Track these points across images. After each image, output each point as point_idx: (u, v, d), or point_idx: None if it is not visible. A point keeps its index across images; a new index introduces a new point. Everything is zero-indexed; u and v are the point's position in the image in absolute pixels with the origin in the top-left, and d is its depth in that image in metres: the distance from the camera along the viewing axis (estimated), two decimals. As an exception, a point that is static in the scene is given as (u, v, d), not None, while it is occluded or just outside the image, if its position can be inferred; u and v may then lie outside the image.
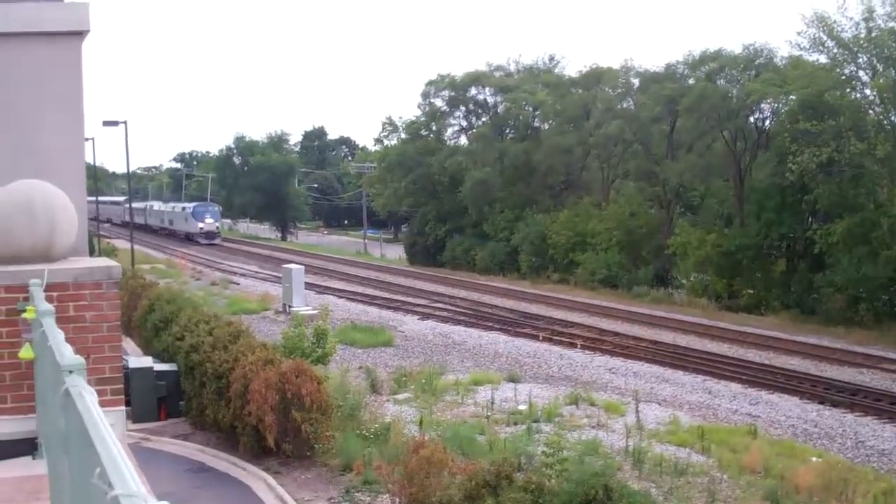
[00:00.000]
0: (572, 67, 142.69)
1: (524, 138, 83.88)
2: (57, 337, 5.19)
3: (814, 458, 23.22)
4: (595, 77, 78.59)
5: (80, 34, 9.55)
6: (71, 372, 3.88)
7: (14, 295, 8.17)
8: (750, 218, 60.90)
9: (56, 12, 9.49)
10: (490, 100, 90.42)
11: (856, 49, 57.81)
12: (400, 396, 29.91)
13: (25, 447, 8.27)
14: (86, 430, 3.06)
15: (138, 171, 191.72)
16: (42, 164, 9.03)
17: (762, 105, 66.09)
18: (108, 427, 2.94)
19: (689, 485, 21.09)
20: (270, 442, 22.21)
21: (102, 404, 7.45)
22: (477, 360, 37.04)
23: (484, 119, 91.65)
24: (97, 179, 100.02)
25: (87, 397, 3.44)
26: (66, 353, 4.33)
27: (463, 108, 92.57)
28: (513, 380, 32.16)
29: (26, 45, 9.42)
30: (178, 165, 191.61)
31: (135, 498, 2.19)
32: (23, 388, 8.21)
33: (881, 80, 55.82)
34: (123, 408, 8.18)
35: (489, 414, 27.30)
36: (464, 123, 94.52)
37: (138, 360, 29.17)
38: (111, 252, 62.37)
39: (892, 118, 56.91)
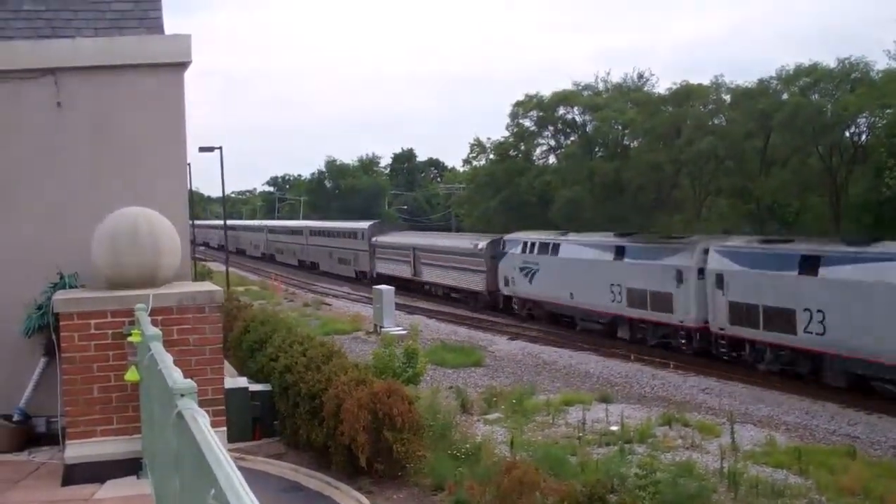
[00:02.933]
0: (662, 84, 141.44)
1: (614, 156, 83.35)
2: (166, 360, 5.38)
3: (916, 481, 22.59)
4: (685, 94, 77.79)
5: (182, 65, 9.87)
6: (183, 395, 4.04)
7: (120, 319, 8.46)
8: (847, 234, 59.71)
9: (160, 44, 9.83)
10: (578, 119, 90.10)
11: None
12: (490, 416, 29.91)
13: (130, 467, 8.53)
14: (200, 451, 3.20)
15: (232, 195, 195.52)
16: (146, 190, 9.35)
17: (858, 119, 64.79)
18: (223, 449, 3.08)
19: (786, 507, 20.70)
20: (363, 461, 22.36)
21: (205, 425, 7.68)
22: (567, 380, 36.86)
23: (573, 138, 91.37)
24: (193, 204, 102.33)
25: (200, 420, 3.59)
26: (177, 377, 4.50)
27: (551, 128, 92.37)
28: (604, 400, 31.93)
29: (131, 76, 9.77)
30: (271, 189, 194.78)
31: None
32: (128, 410, 8.48)
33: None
34: (224, 429, 8.40)
35: (581, 434, 27.14)
36: (552, 143, 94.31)
37: (233, 380, 29.59)
38: (206, 275, 63.63)
39: None
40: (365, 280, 79.25)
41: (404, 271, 73.13)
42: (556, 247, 53.31)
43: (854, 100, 61.51)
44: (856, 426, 28.78)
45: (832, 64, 67.20)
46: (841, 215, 61.93)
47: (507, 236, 59.85)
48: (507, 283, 57.63)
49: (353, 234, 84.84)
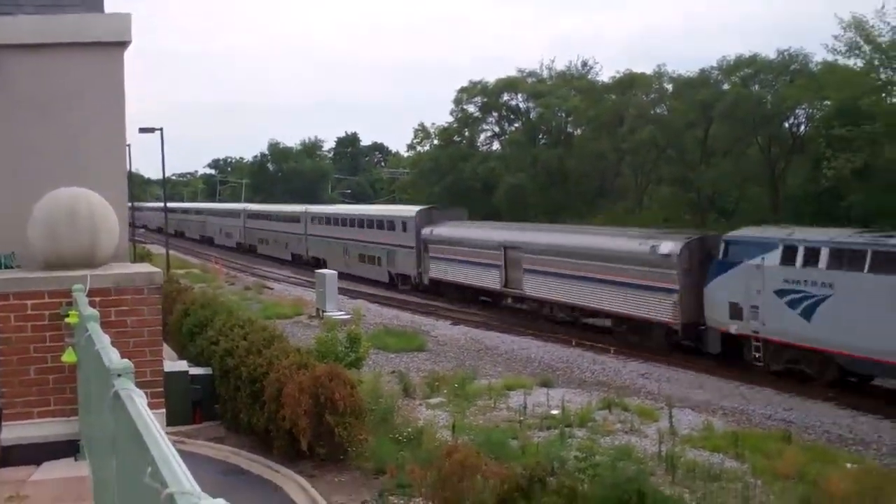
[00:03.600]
0: (606, 73, 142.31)
1: (557, 144, 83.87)
2: (103, 341, 5.34)
3: (848, 465, 23.07)
4: (628, 82, 78.46)
5: (122, 45, 9.75)
6: (119, 375, 4.02)
7: (57, 300, 8.36)
8: (786, 223, 60.64)
9: (99, 23, 9.69)
10: (523, 106, 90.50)
11: (893, 54, 57.36)
12: (433, 401, 30.01)
13: (68, 449, 8.45)
14: (137, 431, 3.19)
15: (173, 178, 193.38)
16: (85, 171, 9.23)
17: (797, 110, 65.79)
18: (159, 428, 3.07)
19: (722, 490, 21.01)
20: (304, 445, 22.36)
21: (144, 407, 7.62)
22: (509, 365, 37.07)
23: (517, 125, 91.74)
24: (132, 185, 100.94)
25: (137, 400, 3.57)
26: (114, 357, 4.47)
27: (495, 114, 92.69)
28: (545, 384, 32.16)
29: (70, 56, 9.63)
30: (213, 172, 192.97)
31: (190, 496, 2.30)
32: (65, 391, 8.39)
33: (918, 85, 55.35)
34: (163, 411, 8.35)
35: (522, 418, 27.33)
36: (496, 129, 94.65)
37: (173, 363, 29.40)
38: (146, 256, 62.94)
39: (929, 123, 56.37)
40: (403, 287, 61.77)
41: (485, 279, 52.20)
42: (877, 257, 30.07)
43: (793, 91, 62.43)
44: (791, 411, 29.31)
45: (772, 55, 68.13)
46: (780, 206, 62.90)
47: (734, 234, 37.57)
48: (736, 315, 35.09)
49: (390, 223, 63.94)
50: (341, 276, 60.63)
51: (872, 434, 26.57)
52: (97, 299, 8.09)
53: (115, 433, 4.13)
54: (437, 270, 57.56)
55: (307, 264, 76.87)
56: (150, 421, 3.21)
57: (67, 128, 9.61)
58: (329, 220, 77.01)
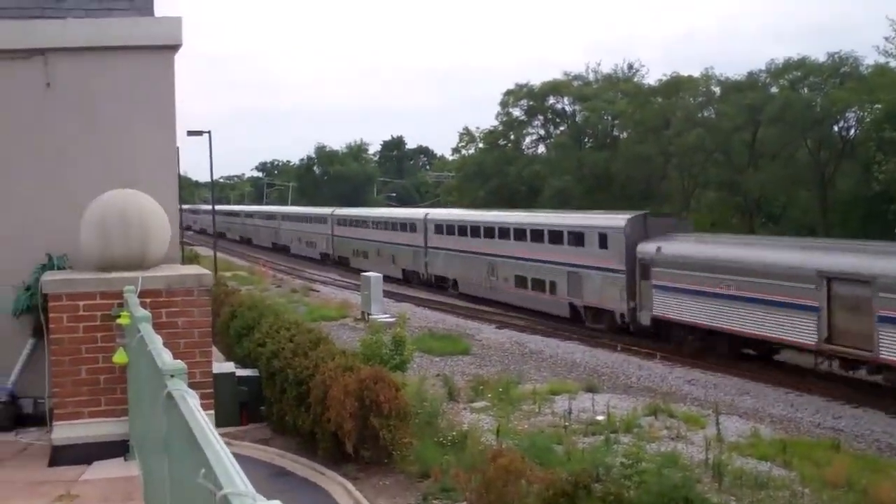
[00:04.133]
0: (652, 76, 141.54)
1: (603, 147, 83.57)
2: (156, 342, 5.38)
3: (899, 474, 22.72)
4: (675, 86, 78.02)
5: (172, 48, 9.84)
6: (173, 376, 4.05)
7: (109, 301, 8.45)
8: (835, 228, 59.90)
9: (150, 26, 9.79)
10: (568, 109, 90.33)
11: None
12: (477, 405, 29.97)
13: (118, 449, 8.53)
14: (190, 432, 3.20)
15: (221, 180, 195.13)
16: (136, 173, 9.32)
17: (847, 114, 65.06)
18: (212, 429, 3.08)
19: (770, 498, 20.78)
20: (349, 448, 22.41)
21: (193, 408, 7.68)
22: (554, 369, 36.93)
23: (562, 128, 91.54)
24: (181, 188, 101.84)
25: (189, 401, 3.59)
26: (167, 359, 4.50)
27: (541, 118, 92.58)
28: (591, 390, 32.00)
29: (121, 59, 9.73)
30: (260, 174, 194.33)
31: (244, 497, 2.31)
32: (116, 392, 8.48)
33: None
34: (213, 412, 8.40)
35: (567, 424, 27.20)
36: (542, 132, 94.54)
37: (220, 365, 29.61)
38: (194, 259, 63.54)
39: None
40: (597, 326, 45.51)
41: (780, 328, 34.60)
42: None
43: (843, 94, 61.77)
44: (840, 419, 28.91)
45: (822, 58, 67.42)
46: (829, 210, 62.18)
47: None
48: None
49: (576, 236, 47.46)
50: (479, 300, 55.37)
51: (924, 443, 26.15)
52: (148, 300, 8.17)
53: (168, 434, 4.16)
54: (668, 306, 40.37)
55: (426, 284, 64.20)
56: (204, 421, 3.23)
57: (118, 131, 9.72)
58: (464, 229, 59.74)
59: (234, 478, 2.55)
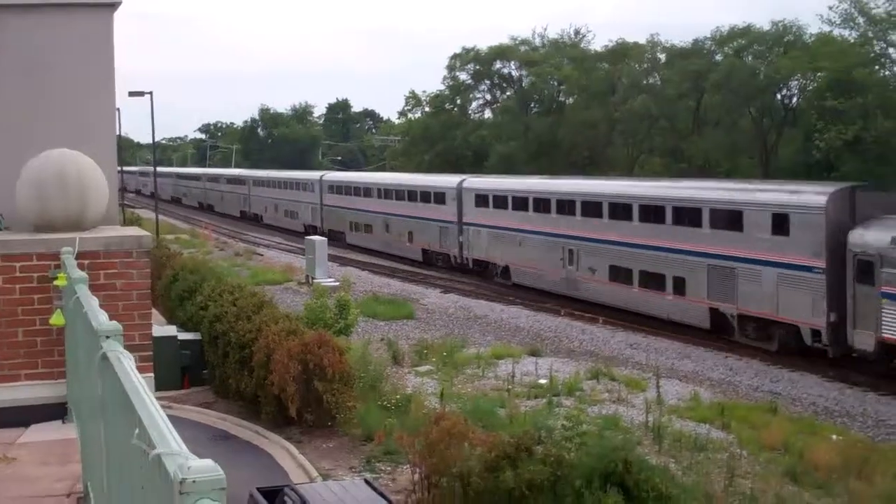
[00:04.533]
0: (598, 41, 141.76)
1: (549, 112, 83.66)
2: (92, 303, 5.31)
3: (834, 436, 23.23)
4: (621, 51, 78.25)
5: (111, 6, 9.64)
6: (108, 337, 3.99)
7: (46, 262, 8.32)
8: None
9: (88, -17, 9.58)
10: (515, 74, 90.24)
11: (886, 26, 57.30)
12: (421, 368, 30.09)
13: (56, 412, 8.43)
14: (125, 393, 3.17)
15: (163, 142, 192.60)
16: (74, 133, 9.15)
17: (790, 82, 65.74)
18: (147, 390, 3.05)
19: (708, 460, 21.15)
20: (292, 412, 22.43)
21: (132, 371, 7.61)
22: (498, 334, 37.15)
23: (509, 93, 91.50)
24: (122, 150, 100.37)
25: (125, 362, 3.55)
26: (103, 319, 4.44)
27: (487, 82, 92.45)
28: (534, 354, 32.25)
29: (59, 16, 9.52)
30: (203, 136, 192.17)
31: (177, 456, 2.29)
32: (53, 354, 8.37)
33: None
34: (152, 375, 8.33)
35: (510, 387, 27.42)
36: (488, 97, 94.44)
37: (162, 329, 29.43)
38: (136, 222, 62.79)
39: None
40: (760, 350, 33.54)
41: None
42: None
43: (787, 62, 62.34)
44: (778, 383, 29.44)
45: (766, 26, 67.96)
46: (770, 177, 62.97)
47: None
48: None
49: (727, 215, 35.29)
50: (547, 295, 43.67)
51: (858, 406, 26.72)
52: (86, 262, 8.05)
53: (103, 395, 4.11)
54: None
55: (463, 271, 53.75)
56: (139, 382, 3.20)
57: (56, 90, 9.52)
58: (524, 202, 48.10)
59: (168, 437, 2.52)
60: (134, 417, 2.89)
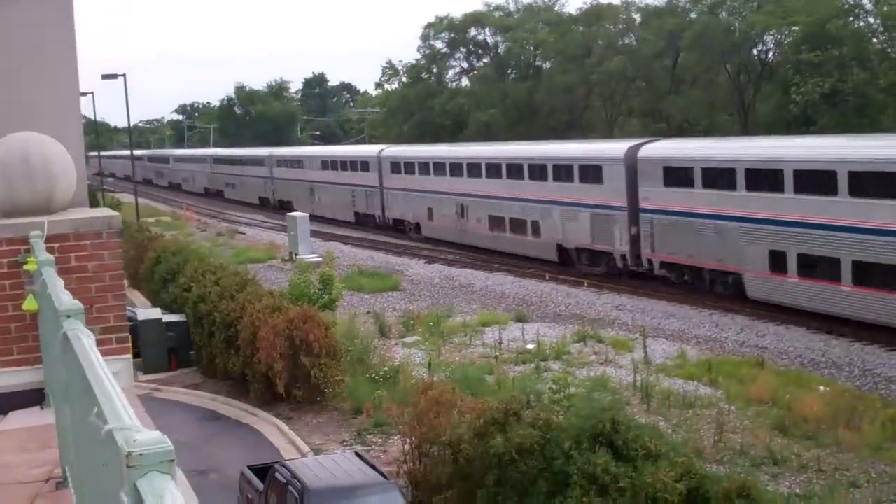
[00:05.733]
0: (573, 4, 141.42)
1: (526, 78, 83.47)
2: (56, 285, 5.22)
3: (821, 388, 23.33)
4: (596, 13, 78.00)
5: (69, -16, 9.48)
6: (69, 316, 3.91)
7: (16, 247, 8.20)
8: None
9: (45, -37, 9.41)
10: (490, 40, 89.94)
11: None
12: (408, 340, 30.07)
13: (34, 397, 8.35)
14: (83, 371, 3.09)
15: (140, 125, 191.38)
16: (37, 117, 9.01)
17: (765, 37, 65.71)
18: (104, 366, 2.98)
19: (697, 417, 21.25)
20: (280, 388, 22.40)
21: (108, 353, 7.55)
22: (484, 301, 37.14)
23: (485, 60, 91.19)
24: (98, 134, 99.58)
25: (84, 340, 3.47)
26: (64, 299, 4.36)
27: (463, 50, 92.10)
28: (520, 320, 32.28)
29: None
30: (180, 117, 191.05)
31: (128, 431, 2.22)
32: (28, 340, 8.27)
33: (885, 8, 55.32)
34: (129, 356, 8.24)
35: (497, 354, 27.45)
36: (465, 65, 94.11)
37: (147, 311, 29.36)
38: (116, 206, 62.46)
39: (897, 46, 56.50)
40: None
41: None
42: None
43: (761, 18, 62.27)
44: (764, 337, 29.55)
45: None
46: (749, 133, 63.02)
47: None
48: None
49: None
50: None
51: (844, 357, 26.85)
52: (56, 245, 7.94)
53: (68, 376, 4.04)
54: None
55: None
56: (96, 360, 3.12)
57: (17, 72, 9.37)
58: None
59: (121, 413, 2.45)
60: (93, 396, 2.82)
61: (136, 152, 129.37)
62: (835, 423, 20.27)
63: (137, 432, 2.13)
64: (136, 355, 27.75)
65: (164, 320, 27.85)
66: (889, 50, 56.73)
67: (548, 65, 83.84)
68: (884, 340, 27.81)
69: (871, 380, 24.82)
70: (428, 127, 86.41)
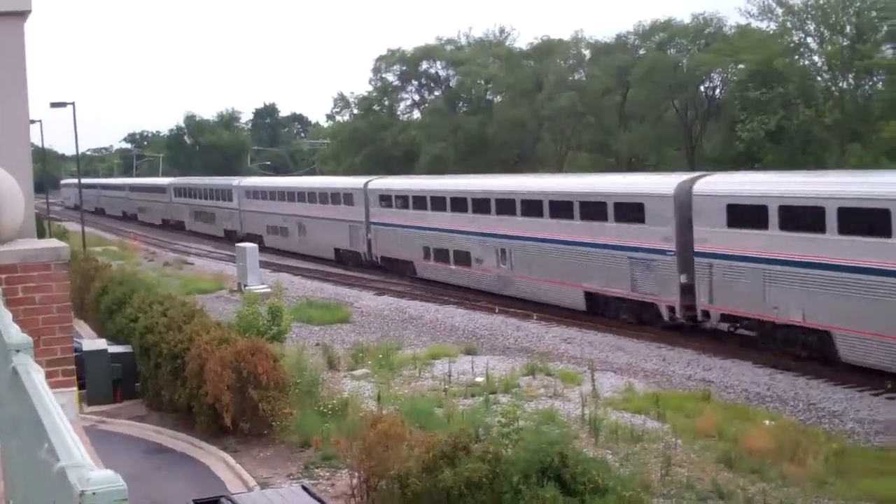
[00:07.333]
0: (523, 39, 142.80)
1: (477, 111, 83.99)
2: (3, 317, 5.17)
3: (767, 421, 23.58)
4: (546, 49, 78.80)
5: (21, 14, 9.43)
6: (18, 351, 3.89)
7: (-39, 278, 8.11)
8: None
9: (-4, -8, 9.36)
10: (442, 73, 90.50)
11: (804, 16, 58.39)
12: (357, 372, 29.95)
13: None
14: (34, 407, 3.08)
15: (88, 153, 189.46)
16: (-14, 146, 8.93)
17: (712, 74, 66.77)
18: (53, 401, 2.97)
19: (644, 451, 21.36)
20: (227, 421, 22.20)
21: (55, 385, 7.45)
22: (434, 334, 37.13)
23: (436, 93, 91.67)
24: (46, 162, 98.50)
25: (34, 375, 3.45)
26: (13, 332, 4.33)
27: (415, 83, 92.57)
28: (470, 352, 32.30)
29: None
30: (129, 146, 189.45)
31: (81, 468, 2.22)
32: (-28, 372, 8.16)
33: (829, 48, 56.41)
34: (75, 389, 8.15)
35: (447, 387, 27.43)
36: (416, 98, 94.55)
37: (93, 342, 28.99)
38: (62, 235, 61.67)
39: (841, 84, 57.66)
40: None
41: None
42: None
43: (708, 56, 63.31)
44: (710, 371, 29.82)
45: (688, 19, 69.00)
46: (696, 168, 63.87)
47: None
48: None
49: None
50: None
51: (790, 391, 27.16)
52: (3, 276, 7.86)
53: (16, 411, 4.00)
54: None
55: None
56: (46, 395, 3.11)
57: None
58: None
59: (72, 450, 2.45)
60: (43, 431, 2.81)
61: (118, 181, 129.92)
62: (780, 457, 20.49)
63: (91, 470, 2.14)
64: (80, 387, 27.36)
65: (109, 351, 27.51)
66: (833, 88, 57.89)
67: (499, 99, 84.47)
68: (828, 375, 28.18)
69: (816, 414, 25.13)
70: (380, 159, 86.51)
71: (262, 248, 56.48)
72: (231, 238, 73.58)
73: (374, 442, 17.02)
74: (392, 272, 52.72)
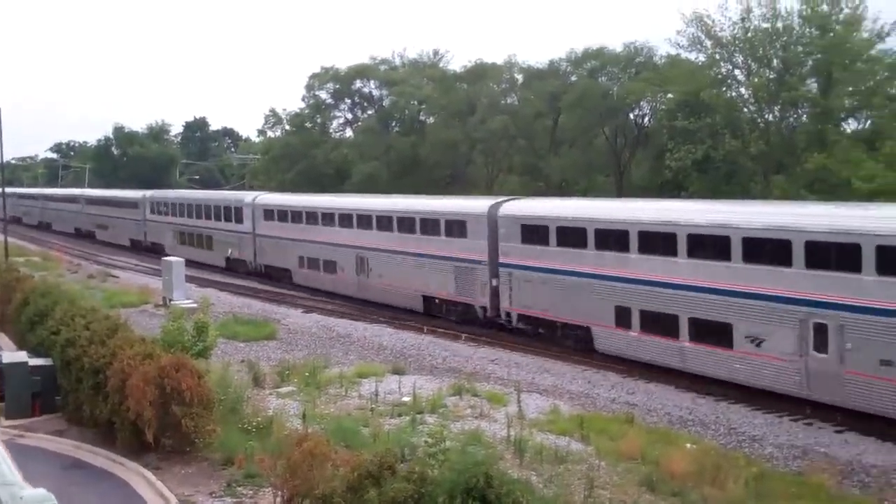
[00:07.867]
0: (457, 62, 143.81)
1: (410, 132, 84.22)
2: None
3: (688, 445, 23.87)
4: (480, 72, 79.41)
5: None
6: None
7: None
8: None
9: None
10: (375, 93, 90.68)
11: (732, 48, 59.62)
12: (283, 390, 29.72)
13: None
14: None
15: (12, 162, 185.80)
16: None
17: (642, 103, 67.80)
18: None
19: (568, 472, 21.46)
20: (150, 437, 21.87)
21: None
22: (361, 352, 37.03)
23: (370, 112, 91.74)
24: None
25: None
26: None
27: (348, 101, 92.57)
28: (397, 372, 32.24)
29: None
30: (55, 156, 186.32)
31: (11, 487, 2.21)
32: None
33: (756, 80, 57.61)
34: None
35: (373, 406, 27.33)
36: (349, 116, 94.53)
37: (12, 354, 28.42)
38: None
39: (766, 116, 58.92)
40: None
41: None
42: None
43: (639, 85, 64.28)
44: (634, 394, 30.16)
45: (619, 48, 70.03)
46: (624, 195, 64.79)
47: None
48: None
49: None
50: None
51: (711, 415, 27.58)
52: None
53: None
54: None
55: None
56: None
57: None
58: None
59: (3, 469, 2.43)
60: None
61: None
62: (701, 481, 20.73)
63: (22, 489, 2.13)
64: (-1, 400, 26.82)
65: (29, 364, 26.97)
66: (759, 120, 59.09)
67: (432, 120, 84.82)
68: (748, 399, 28.69)
69: (736, 438, 25.55)
70: (311, 176, 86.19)
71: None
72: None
73: (298, 461, 16.88)
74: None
